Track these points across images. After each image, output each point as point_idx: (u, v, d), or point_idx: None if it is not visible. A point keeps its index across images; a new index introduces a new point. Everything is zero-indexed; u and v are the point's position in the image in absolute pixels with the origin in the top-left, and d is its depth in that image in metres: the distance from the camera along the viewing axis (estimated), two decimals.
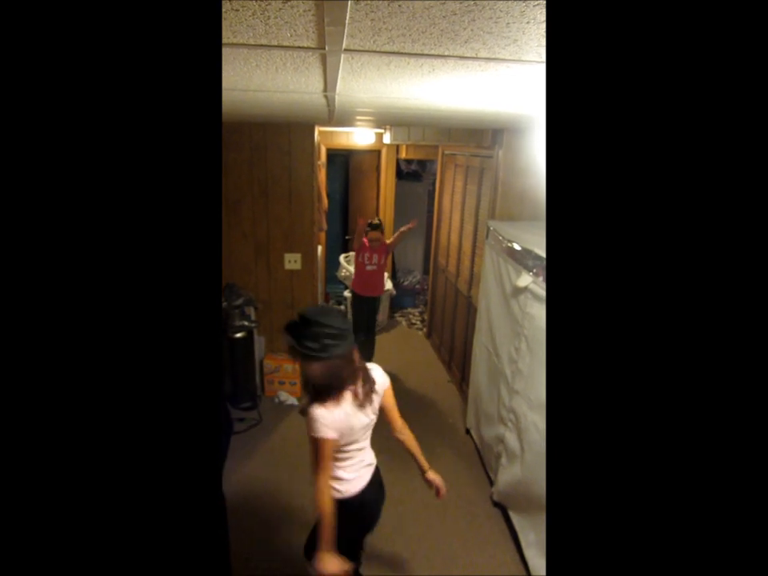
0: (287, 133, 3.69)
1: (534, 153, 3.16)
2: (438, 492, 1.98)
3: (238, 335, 3.67)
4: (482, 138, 3.44)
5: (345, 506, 1.73)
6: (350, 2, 0.62)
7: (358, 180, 6.21)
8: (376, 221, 4.27)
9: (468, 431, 3.54)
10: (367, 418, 1.75)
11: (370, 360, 4.10)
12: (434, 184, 5.53)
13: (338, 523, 1.64)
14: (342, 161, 6.26)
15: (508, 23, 0.69)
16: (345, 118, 3.14)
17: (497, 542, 2.61)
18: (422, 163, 6.53)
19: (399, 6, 0.63)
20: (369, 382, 1.76)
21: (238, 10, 0.69)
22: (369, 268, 4.20)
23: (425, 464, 1.99)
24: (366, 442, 1.87)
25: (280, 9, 0.67)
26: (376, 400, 1.80)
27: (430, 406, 3.99)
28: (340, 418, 1.64)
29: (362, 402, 1.71)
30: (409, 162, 6.39)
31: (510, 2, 0.59)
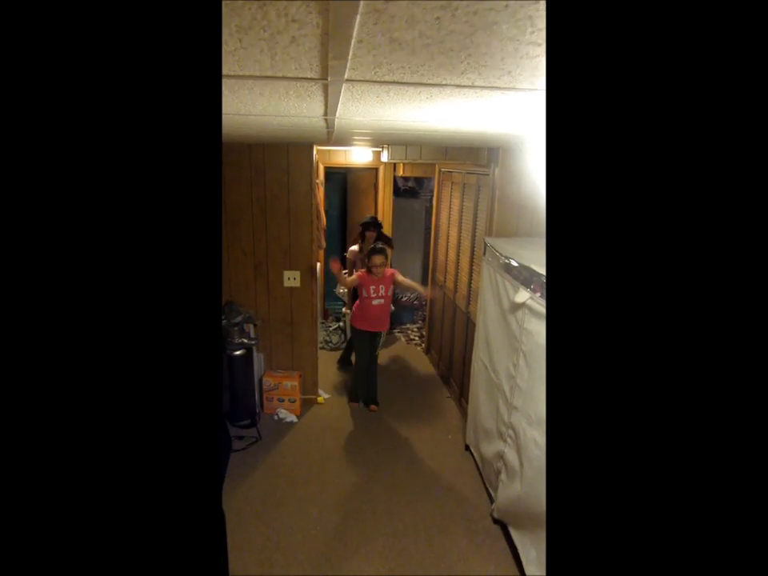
0: (286, 152, 3.75)
1: (529, 171, 3.22)
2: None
3: (237, 352, 3.68)
4: (478, 156, 3.50)
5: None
6: (353, 41, 0.66)
7: (356, 197, 6.27)
8: (379, 245, 3.83)
9: (468, 447, 3.54)
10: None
11: (373, 398, 4.18)
12: (431, 200, 5.60)
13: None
14: (340, 178, 6.34)
15: (503, 57, 0.73)
16: (343, 139, 3.20)
17: (497, 559, 2.61)
18: (419, 180, 6.61)
19: (400, 44, 0.67)
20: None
21: (246, 48, 0.72)
22: (376, 302, 3.74)
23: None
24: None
25: (287, 47, 0.71)
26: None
27: (429, 422, 3.99)
28: (355, 252, 4.46)
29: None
30: (406, 179, 6.46)
31: (504, 41, 0.63)
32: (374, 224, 4.66)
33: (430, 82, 0.97)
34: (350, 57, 0.75)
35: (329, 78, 0.95)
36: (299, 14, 0.55)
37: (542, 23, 0.55)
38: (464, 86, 0.99)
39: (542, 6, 0.50)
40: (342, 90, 1.10)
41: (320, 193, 4.82)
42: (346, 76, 0.92)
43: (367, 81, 0.98)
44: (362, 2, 0.50)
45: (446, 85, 0.99)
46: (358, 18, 0.55)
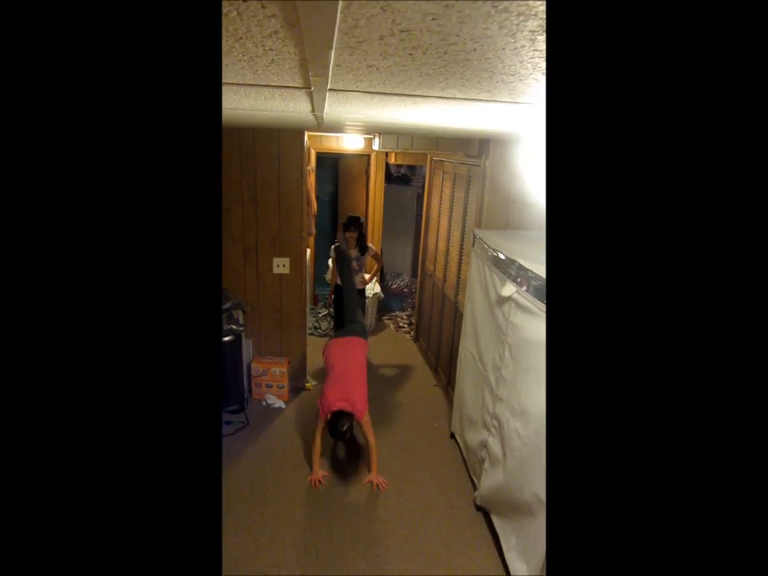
0: (277, 138, 3.72)
1: (520, 163, 3.22)
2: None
3: (226, 339, 3.69)
4: (468, 147, 3.50)
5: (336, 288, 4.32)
6: (331, 65, 0.67)
7: (347, 183, 6.25)
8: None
9: (453, 435, 3.60)
10: (353, 262, 4.15)
11: None
12: (423, 187, 5.59)
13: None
14: (332, 164, 6.30)
15: (479, 81, 0.74)
16: (334, 127, 3.18)
17: (479, 545, 2.68)
18: (411, 167, 6.59)
19: (377, 69, 0.68)
20: (361, 247, 4.25)
21: (227, 65, 0.73)
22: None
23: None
24: (352, 275, 4.01)
25: (267, 66, 0.72)
26: (361, 260, 4.35)
27: (416, 410, 4.05)
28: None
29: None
30: (398, 166, 6.44)
31: (477, 71, 0.65)
32: (355, 224, 4.31)
33: (413, 93, 0.98)
34: (330, 75, 0.76)
35: (312, 88, 0.96)
36: (276, 46, 0.57)
37: (511, 62, 0.56)
38: (446, 98, 1.01)
39: (510, 51, 0.51)
40: (327, 96, 1.11)
41: (311, 179, 4.80)
42: (328, 87, 0.93)
43: (350, 90, 0.99)
44: (335, 40, 0.51)
45: (429, 96, 1.00)
46: (333, 51, 0.56)
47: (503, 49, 0.50)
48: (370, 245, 4.59)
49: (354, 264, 4.35)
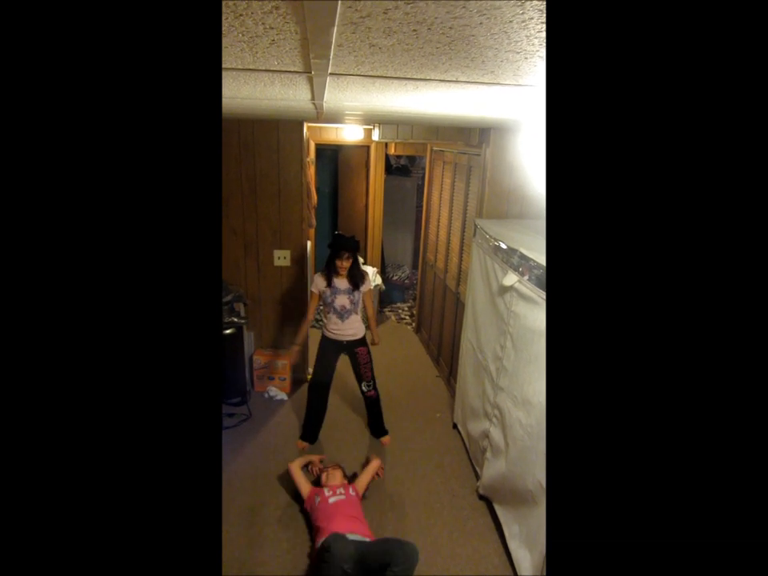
0: (276, 130, 3.70)
1: (521, 152, 3.20)
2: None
3: (228, 331, 3.70)
4: (469, 136, 3.48)
5: (322, 337, 3.26)
6: (333, 46, 0.66)
7: (347, 175, 6.22)
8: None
9: (455, 426, 3.61)
10: (344, 297, 3.12)
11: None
12: (423, 178, 5.56)
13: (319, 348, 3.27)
14: (332, 155, 6.27)
15: (483, 61, 0.73)
16: (333, 117, 3.16)
17: (482, 533, 2.69)
18: (411, 158, 6.56)
19: (380, 48, 0.67)
20: (354, 280, 3.09)
21: (227, 47, 0.72)
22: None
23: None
24: (343, 317, 3.15)
25: (267, 47, 0.71)
26: (356, 295, 3.14)
27: (419, 401, 4.06)
28: (321, 285, 3.10)
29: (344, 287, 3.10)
30: (398, 157, 6.41)
31: (482, 49, 0.63)
32: (349, 247, 3.05)
33: (414, 76, 0.96)
34: (331, 56, 0.75)
35: (312, 72, 0.94)
36: (276, 23, 0.55)
37: (518, 36, 0.55)
38: (448, 81, 0.99)
39: (517, 24, 0.50)
40: (327, 82, 1.09)
41: (311, 171, 4.77)
42: (329, 71, 0.92)
43: (351, 74, 0.97)
44: (338, 15, 0.50)
45: (431, 80, 0.99)
46: (335, 28, 0.55)
47: (510, 22, 0.49)
48: (366, 271, 3.38)
49: (345, 301, 3.12)
